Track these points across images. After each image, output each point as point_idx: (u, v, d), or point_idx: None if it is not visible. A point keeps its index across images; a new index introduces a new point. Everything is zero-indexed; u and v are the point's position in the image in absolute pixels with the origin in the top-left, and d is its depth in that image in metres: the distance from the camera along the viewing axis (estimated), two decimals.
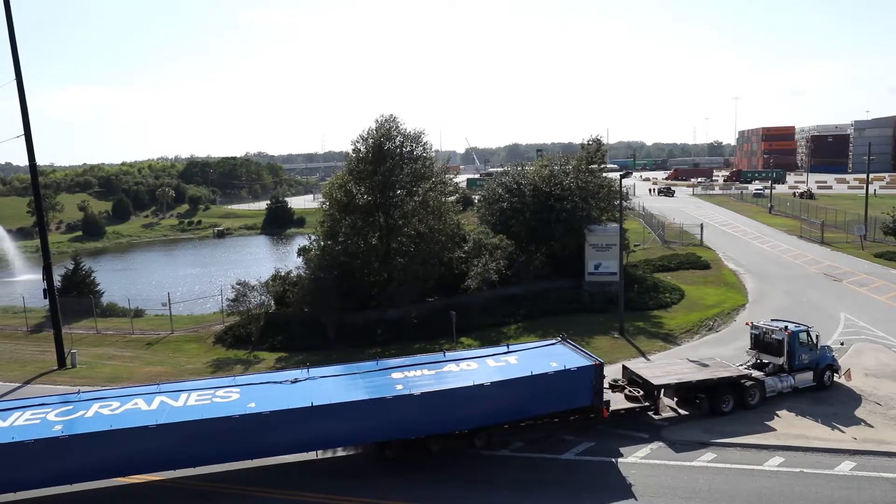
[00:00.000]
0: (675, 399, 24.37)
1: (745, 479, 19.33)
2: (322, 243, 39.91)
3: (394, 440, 20.91)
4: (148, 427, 18.21)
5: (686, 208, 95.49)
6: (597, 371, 21.67)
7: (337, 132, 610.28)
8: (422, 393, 20.16)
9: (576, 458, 21.28)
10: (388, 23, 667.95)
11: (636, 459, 20.92)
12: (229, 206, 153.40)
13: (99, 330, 42.65)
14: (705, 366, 25.38)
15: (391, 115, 40.02)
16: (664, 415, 23.89)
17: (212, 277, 71.67)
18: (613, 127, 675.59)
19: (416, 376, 21.71)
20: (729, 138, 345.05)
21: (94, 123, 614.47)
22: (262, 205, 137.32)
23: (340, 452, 22.19)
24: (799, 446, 21.18)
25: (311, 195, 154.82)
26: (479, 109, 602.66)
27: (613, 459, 20.98)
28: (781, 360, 25.27)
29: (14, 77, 33.21)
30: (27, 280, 64.89)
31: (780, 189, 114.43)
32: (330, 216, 39.98)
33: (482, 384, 20.61)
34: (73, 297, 45.55)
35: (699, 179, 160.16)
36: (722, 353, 29.11)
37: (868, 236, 60.59)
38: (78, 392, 21.34)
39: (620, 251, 38.36)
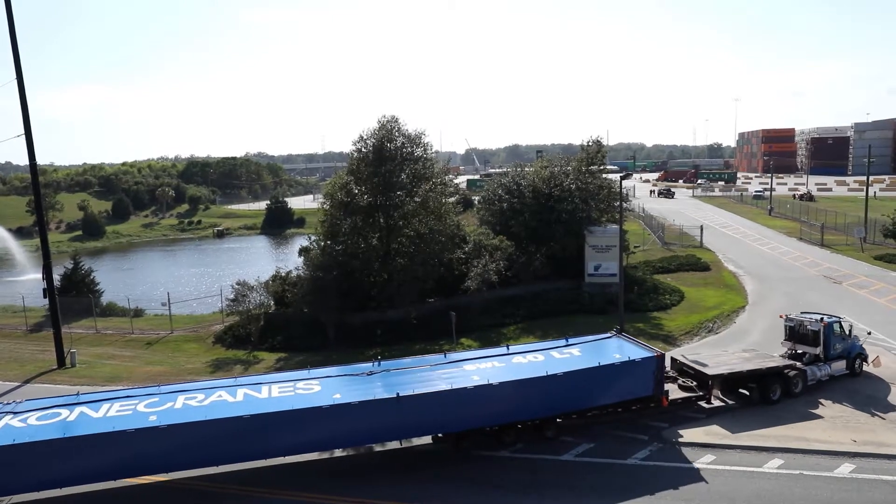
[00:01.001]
0: (720, 389, 25.16)
1: (744, 481, 19.33)
2: (322, 243, 39.91)
3: (472, 430, 21.50)
4: (243, 417, 18.70)
5: (686, 210, 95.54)
6: (659, 362, 22.57)
7: (337, 132, 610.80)
8: (500, 383, 20.87)
9: (575, 459, 21.28)
10: (389, 23, 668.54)
11: (636, 461, 20.92)
12: (229, 206, 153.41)
13: (98, 329, 42.65)
14: (749, 356, 26.31)
15: (392, 115, 40.11)
16: (714, 404, 24.62)
17: (211, 277, 71.68)
18: (613, 128, 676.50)
19: (487, 368, 22.50)
20: (729, 140, 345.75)
21: (95, 123, 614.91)
22: (262, 205, 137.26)
23: (338, 453, 22.20)
24: (798, 448, 21.18)
25: (311, 195, 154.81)
26: (479, 110, 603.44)
27: (613, 461, 20.97)
28: (818, 350, 26.27)
29: (14, 76, 33.24)
30: (27, 279, 64.88)
31: (780, 191, 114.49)
32: (331, 216, 39.99)
33: (555, 374, 21.49)
34: (72, 297, 45.57)
35: (680, 180, 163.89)
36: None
37: (868, 239, 60.61)
38: (158, 385, 21.86)
39: (620, 252, 38.30)
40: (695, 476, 19.76)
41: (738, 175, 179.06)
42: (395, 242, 39.17)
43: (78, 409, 19.50)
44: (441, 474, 20.58)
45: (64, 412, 19.32)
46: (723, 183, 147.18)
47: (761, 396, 24.56)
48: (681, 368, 25.53)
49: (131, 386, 26.23)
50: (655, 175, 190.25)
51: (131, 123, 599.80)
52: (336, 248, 39.16)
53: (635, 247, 58.91)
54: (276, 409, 19.28)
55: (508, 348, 24.91)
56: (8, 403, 20.38)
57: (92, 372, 33.75)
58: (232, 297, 38.47)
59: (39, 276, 36.61)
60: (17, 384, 32.14)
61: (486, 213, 47.99)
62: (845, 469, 19.90)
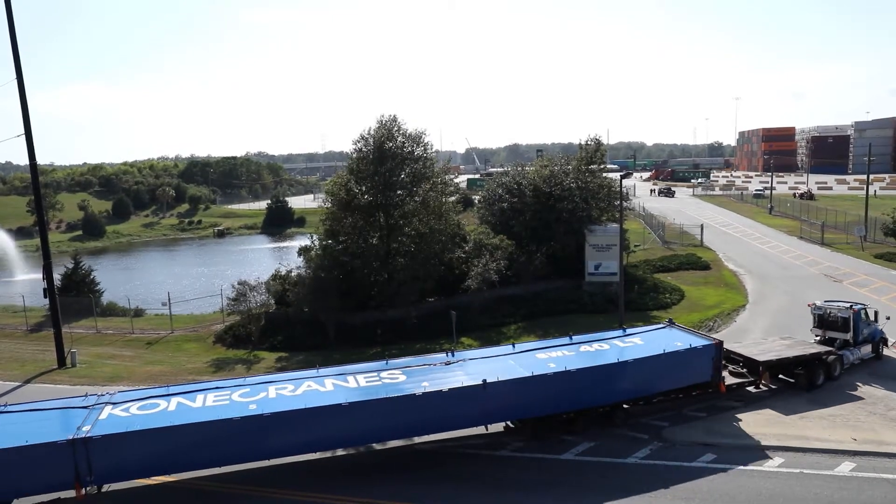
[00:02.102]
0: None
1: (744, 480, 19.31)
2: (323, 243, 39.91)
3: (549, 416, 22.15)
4: (342, 405, 19.18)
5: (686, 209, 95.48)
6: (717, 349, 23.68)
7: (337, 132, 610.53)
8: (577, 369, 21.71)
9: (575, 458, 21.28)
10: (389, 23, 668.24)
11: (636, 460, 20.91)
12: (229, 206, 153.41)
13: (99, 329, 42.67)
14: (790, 343, 27.47)
15: (393, 115, 40.12)
16: (762, 389, 25.83)
17: (212, 277, 71.67)
18: (614, 127, 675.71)
19: (559, 356, 23.20)
20: (729, 139, 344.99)
21: (95, 123, 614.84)
22: (263, 204, 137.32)
23: (340, 452, 22.20)
24: (799, 447, 21.17)
25: (312, 195, 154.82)
26: (479, 109, 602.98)
27: (613, 460, 20.96)
28: (847, 336, 27.63)
29: (15, 76, 33.23)
30: (27, 279, 64.89)
31: (780, 190, 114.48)
32: (331, 215, 39.99)
33: (626, 361, 22.42)
34: (72, 297, 45.58)
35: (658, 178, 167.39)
36: None
37: (868, 237, 60.56)
38: (245, 377, 22.15)
39: (620, 251, 38.31)
40: (695, 475, 19.73)
41: (714, 172, 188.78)
42: (396, 242, 39.17)
43: (174, 400, 20.02)
44: (441, 474, 20.59)
45: (162, 402, 19.85)
46: (695, 181, 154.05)
47: (808, 381, 25.70)
48: (728, 356, 26.12)
49: (154, 385, 26.17)
50: (646, 174, 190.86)
51: (132, 123, 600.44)
52: (337, 247, 39.16)
53: (635, 246, 58.90)
54: (372, 398, 19.87)
55: (572, 338, 25.66)
56: (102, 395, 20.81)
57: (92, 372, 33.77)
58: (232, 296, 38.49)
59: (35, 275, 36.65)
60: (17, 384, 32.15)
61: (487, 213, 47.98)
62: (846, 468, 19.88)
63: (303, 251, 41.50)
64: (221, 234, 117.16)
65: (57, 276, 41.49)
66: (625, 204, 43.64)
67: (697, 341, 24.11)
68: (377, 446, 22.52)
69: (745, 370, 25.71)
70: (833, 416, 23.25)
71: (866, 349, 28.26)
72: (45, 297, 35.89)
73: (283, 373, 22.93)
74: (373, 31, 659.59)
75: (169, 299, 43.27)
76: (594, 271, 42.26)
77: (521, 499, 18.87)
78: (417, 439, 22.52)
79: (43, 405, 20.33)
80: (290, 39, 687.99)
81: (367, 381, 21.19)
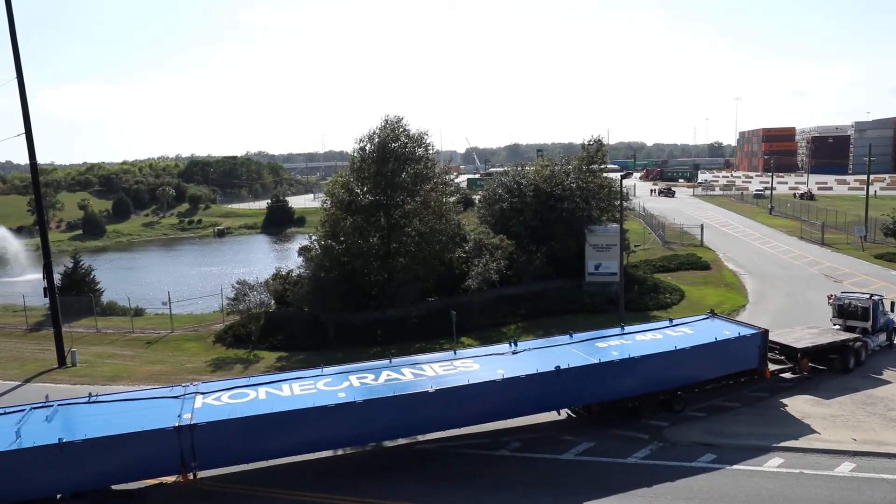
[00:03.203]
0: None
1: (744, 480, 19.31)
2: (323, 243, 39.90)
3: (615, 401, 23.06)
4: (429, 392, 19.99)
5: (686, 209, 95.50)
6: (764, 337, 24.97)
7: (337, 132, 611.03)
8: (640, 356, 22.77)
9: (575, 458, 21.28)
10: (389, 23, 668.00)
11: (636, 460, 20.91)
12: (229, 206, 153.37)
13: (99, 329, 42.68)
14: (818, 332, 28.89)
15: (397, 116, 40.02)
16: (798, 375, 27.04)
17: (212, 277, 71.70)
18: (614, 127, 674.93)
19: (619, 345, 24.24)
20: (729, 139, 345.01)
21: (95, 122, 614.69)
22: (263, 204, 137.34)
23: (339, 452, 22.20)
24: (798, 447, 21.18)
25: (312, 195, 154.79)
26: (479, 109, 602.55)
27: (613, 460, 20.97)
28: (867, 324, 29.38)
29: (15, 75, 33.22)
30: (28, 279, 64.89)
31: (780, 190, 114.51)
32: (332, 215, 39.97)
33: (684, 349, 23.46)
34: (73, 296, 45.56)
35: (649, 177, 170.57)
36: None
37: (868, 237, 60.58)
38: (321, 368, 22.69)
39: (621, 251, 38.33)
40: (695, 475, 19.74)
41: (703, 172, 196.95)
42: (396, 242, 39.16)
43: (261, 390, 20.55)
44: (441, 474, 20.58)
45: (250, 392, 20.38)
46: (683, 180, 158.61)
47: (843, 365, 27.51)
48: None
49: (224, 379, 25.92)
50: (638, 174, 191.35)
51: (132, 122, 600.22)
52: (337, 247, 39.15)
53: (636, 246, 58.91)
54: (455, 385, 20.55)
55: (623, 328, 26.63)
56: (188, 385, 21.23)
57: (92, 371, 33.77)
58: (232, 296, 38.48)
59: (36, 275, 36.65)
60: (17, 383, 32.16)
61: (487, 213, 47.96)
62: (845, 468, 19.88)
63: (303, 251, 41.52)
64: (221, 234, 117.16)
65: (57, 276, 41.48)
66: (625, 204, 43.63)
67: (744, 330, 25.30)
68: (387, 443, 22.52)
69: (782, 357, 26.85)
70: (779, 434, 22.40)
71: (882, 337, 30.13)
72: (45, 296, 35.89)
73: (354, 364, 23.61)
74: (373, 31, 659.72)
75: (169, 299, 43.29)
76: (594, 271, 42.25)
77: (520, 499, 18.87)
78: (421, 437, 22.52)
79: (132, 395, 20.98)
80: (290, 39, 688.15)
81: (443, 370, 21.96)
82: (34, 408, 19.49)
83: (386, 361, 23.24)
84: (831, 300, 31.26)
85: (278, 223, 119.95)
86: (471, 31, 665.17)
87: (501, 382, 20.79)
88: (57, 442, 16.99)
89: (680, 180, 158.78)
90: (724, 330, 25.49)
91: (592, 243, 42.26)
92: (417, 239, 39.10)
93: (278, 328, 37.79)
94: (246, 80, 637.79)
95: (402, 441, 22.39)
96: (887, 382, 26.48)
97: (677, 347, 23.55)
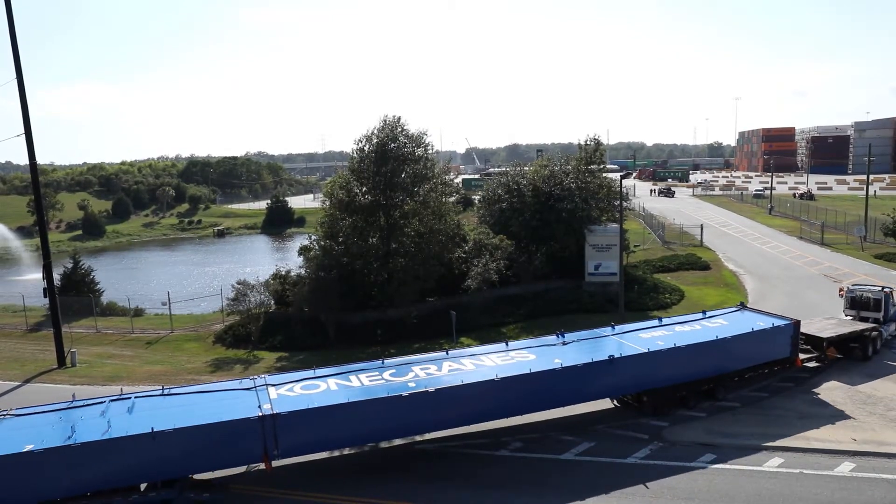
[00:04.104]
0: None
1: (744, 480, 19.31)
2: (322, 243, 39.90)
3: (662, 389, 23.85)
4: (493, 380, 20.72)
5: (686, 209, 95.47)
6: (796, 327, 26.21)
7: (337, 132, 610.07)
8: (686, 345, 23.72)
9: (575, 458, 21.27)
10: (389, 23, 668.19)
11: (636, 460, 20.91)
12: (229, 206, 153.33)
13: (99, 329, 42.66)
14: (836, 322, 30.14)
15: (396, 116, 40.07)
16: (822, 363, 28.27)
17: (212, 277, 71.69)
18: (614, 127, 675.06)
19: (662, 335, 25.17)
20: (729, 139, 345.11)
21: (95, 122, 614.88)
22: (263, 204, 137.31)
23: (336, 453, 22.19)
24: (798, 447, 21.18)
25: (312, 195, 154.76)
26: (479, 109, 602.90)
27: (613, 460, 20.97)
28: (879, 315, 30.59)
29: (15, 75, 33.20)
30: (28, 279, 64.90)
31: (780, 190, 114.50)
32: (331, 216, 39.96)
33: (725, 338, 24.41)
34: (72, 296, 45.57)
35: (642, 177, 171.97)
36: None
37: (868, 237, 60.55)
38: (382, 361, 23.23)
39: (620, 251, 38.29)
40: (695, 475, 19.74)
41: (694, 172, 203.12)
42: (396, 242, 39.15)
43: (330, 381, 21.11)
44: (441, 474, 20.58)
45: (321, 383, 20.93)
46: (675, 180, 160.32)
47: (863, 353, 28.90)
48: None
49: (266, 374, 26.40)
50: (632, 174, 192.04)
51: (132, 122, 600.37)
52: (336, 247, 39.15)
53: (635, 246, 58.89)
54: (518, 374, 21.24)
55: (661, 320, 27.62)
56: (255, 378, 21.80)
57: (92, 371, 33.75)
58: (232, 296, 38.48)
59: (36, 275, 36.63)
60: (17, 384, 32.14)
61: (486, 213, 47.94)
62: (845, 468, 19.89)
63: (302, 251, 41.51)
64: (221, 234, 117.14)
65: (57, 276, 41.47)
66: (625, 204, 43.62)
67: (778, 321, 26.35)
68: (375, 446, 22.53)
69: (808, 347, 27.95)
70: (779, 434, 22.42)
71: (892, 327, 31.21)
72: (45, 296, 35.86)
73: (413, 356, 24.32)
74: (373, 31, 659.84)
75: (169, 299, 43.29)
76: (594, 271, 42.24)
77: (520, 498, 18.87)
78: (419, 438, 22.53)
79: (204, 388, 21.38)
80: (290, 39, 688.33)
81: (501, 361, 22.59)
82: (112, 400, 20.01)
83: (443, 353, 23.89)
84: (843, 292, 32.39)
85: (278, 223, 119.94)
86: (471, 31, 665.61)
87: (561, 371, 21.62)
88: (150, 431, 17.31)
89: (669, 180, 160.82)
90: (757, 321, 26.49)
91: (592, 243, 42.25)
92: (417, 239, 39.10)
93: (278, 328, 37.78)
94: (246, 80, 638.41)
95: (455, 430, 22.55)
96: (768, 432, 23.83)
97: (719, 337, 24.47)
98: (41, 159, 64.23)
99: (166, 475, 18.05)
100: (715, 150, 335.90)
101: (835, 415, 23.58)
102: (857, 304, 31.40)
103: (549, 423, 23.68)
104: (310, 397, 19.72)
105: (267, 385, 20.79)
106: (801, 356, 27.14)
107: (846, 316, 31.60)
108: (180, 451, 17.72)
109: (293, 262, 43.09)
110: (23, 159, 65.35)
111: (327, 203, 41.02)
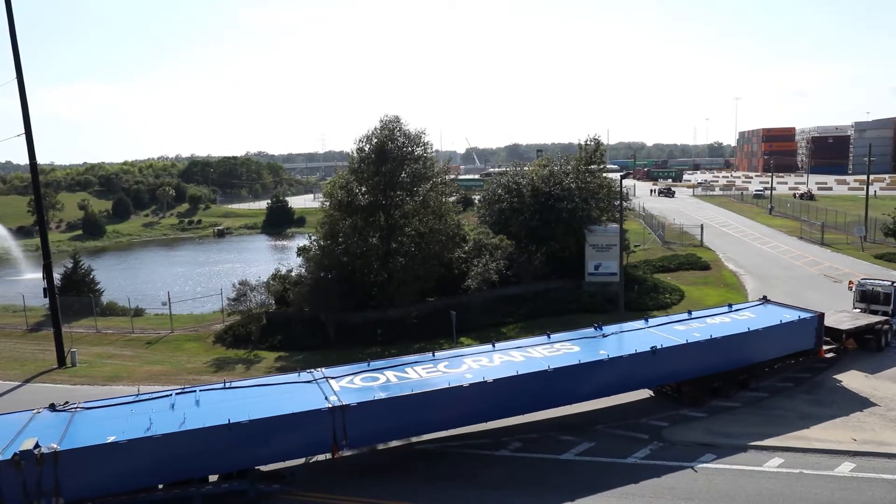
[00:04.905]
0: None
1: (744, 480, 19.31)
2: (322, 243, 39.91)
3: (699, 379, 24.68)
4: (547, 371, 21.47)
5: (686, 209, 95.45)
6: (820, 320, 27.16)
7: (337, 132, 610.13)
8: (722, 336, 24.58)
9: (575, 458, 21.26)
10: (388, 23, 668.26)
11: (636, 460, 20.90)
12: (229, 206, 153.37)
13: (99, 329, 42.66)
14: (850, 315, 31.13)
15: (394, 116, 40.06)
16: (840, 354, 29.12)
17: (212, 277, 71.71)
18: (614, 127, 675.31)
19: (697, 327, 26.00)
20: (729, 139, 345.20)
21: (95, 122, 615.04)
22: (263, 204, 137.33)
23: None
24: (799, 447, 21.18)
25: (312, 195, 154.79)
26: (479, 109, 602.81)
27: (613, 460, 20.96)
28: (889, 308, 31.29)
29: (15, 75, 33.19)
30: (28, 279, 64.91)
31: (780, 190, 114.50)
32: (330, 216, 39.96)
33: (757, 330, 25.36)
34: (72, 296, 45.57)
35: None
36: None
37: (868, 238, 60.52)
38: (433, 354, 23.78)
39: (620, 251, 38.34)
40: (695, 475, 19.74)
41: (694, 172, 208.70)
42: (396, 242, 39.15)
43: (386, 373, 21.60)
44: (441, 474, 20.56)
45: (379, 376, 21.41)
46: (670, 180, 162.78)
47: (877, 345, 30.13)
48: None
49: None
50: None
51: (132, 122, 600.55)
52: (336, 247, 39.16)
53: (635, 246, 58.89)
54: (569, 364, 21.92)
55: (690, 313, 28.56)
56: (312, 371, 22.17)
57: (92, 371, 33.75)
58: (233, 296, 38.49)
59: (36, 275, 36.62)
60: (17, 383, 32.14)
61: (486, 213, 47.94)
62: (846, 468, 19.88)
63: (302, 251, 41.51)
64: (221, 234, 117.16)
65: (57, 276, 41.47)
66: (625, 204, 43.62)
67: (803, 314, 27.23)
68: (378, 446, 22.51)
69: (827, 338, 28.47)
70: (779, 434, 22.52)
71: None
72: (45, 296, 35.86)
73: (464, 349, 25.20)
74: (373, 31, 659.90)
75: (169, 299, 43.30)
76: (594, 271, 42.23)
77: (520, 499, 18.86)
78: (415, 439, 22.53)
79: (265, 381, 21.75)
80: (290, 39, 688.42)
81: (548, 353, 23.33)
82: (178, 393, 20.27)
83: (489, 346, 24.41)
84: (852, 286, 33.42)
85: (278, 223, 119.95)
86: (471, 30, 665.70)
87: (608, 362, 22.40)
88: (227, 423, 17.54)
89: (659, 180, 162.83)
90: (784, 314, 27.32)
91: (592, 243, 42.24)
92: (417, 239, 39.09)
93: (278, 328, 37.78)
94: (246, 80, 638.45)
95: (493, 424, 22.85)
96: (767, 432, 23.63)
97: (751, 329, 25.30)
98: (41, 159, 64.30)
99: (239, 465, 18.34)
100: (715, 150, 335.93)
101: (834, 415, 23.53)
102: (867, 297, 32.27)
103: (548, 423, 23.67)
104: (372, 389, 20.08)
105: (326, 378, 21.24)
106: (824, 347, 28.04)
107: (855, 309, 32.42)
108: (254, 442, 18.01)
109: (293, 262, 43.07)
110: (23, 159, 65.36)
111: (327, 203, 41.01)
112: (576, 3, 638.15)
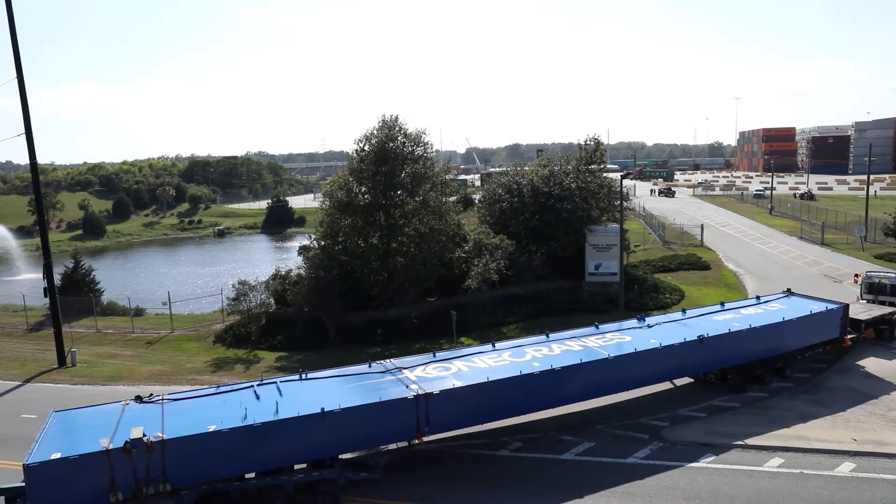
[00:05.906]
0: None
1: (744, 480, 19.31)
2: (322, 243, 39.90)
3: (741, 366, 25.73)
4: (608, 359, 22.44)
5: (686, 209, 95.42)
6: (845, 310, 28.38)
7: (337, 132, 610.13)
8: (760, 326, 25.71)
9: (575, 458, 21.26)
10: (388, 22, 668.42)
11: (636, 460, 20.90)
12: (230, 206, 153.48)
13: (99, 329, 42.67)
14: (864, 307, 32.14)
15: (394, 115, 40.11)
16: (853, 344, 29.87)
17: (212, 276, 71.72)
18: (614, 127, 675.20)
19: (734, 317, 27.04)
20: (730, 139, 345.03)
21: (95, 122, 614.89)
22: (263, 204, 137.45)
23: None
24: (799, 447, 21.18)
25: (312, 194, 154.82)
26: (479, 109, 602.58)
27: (613, 460, 20.96)
28: (895, 299, 32.55)
29: (15, 75, 33.19)
30: (28, 279, 64.91)
31: (780, 190, 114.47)
32: (330, 216, 39.96)
33: (791, 320, 26.45)
34: (73, 296, 45.56)
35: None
36: None
37: (868, 238, 60.54)
38: (493, 345, 24.35)
39: (621, 251, 38.35)
40: (695, 475, 19.74)
41: (694, 172, 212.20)
42: (396, 241, 39.15)
43: (454, 364, 22.20)
44: (441, 474, 20.56)
45: (450, 366, 22.09)
46: (661, 180, 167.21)
47: (891, 334, 31.25)
48: None
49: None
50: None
51: (132, 122, 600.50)
52: (336, 247, 39.14)
53: (636, 246, 58.90)
54: (626, 353, 22.93)
55: (723, 305, 29.50)
56: (385, 362, 22.78)
57: (93, 371, 33.75)
58: (233, 296, 38.47)
59: (36, 275, 36.62)
60: (17, 383, 32.14)
61: (486, 213, 47.94)
62: (846, 468, 19.89)
63: (303, 250, 41.51)
64: (221, 234, 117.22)
65: (57, 276, 41.46)
66: (625, 204, 43.61)
67: (829, 305, 28.35)
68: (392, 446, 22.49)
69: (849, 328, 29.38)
70: (779, 435, 22.63)
71: None
72: (46, 296, 35.86)
73: (524, 338, 25.90)
74: (372, 31, 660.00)
75: (169, 299, 43.28)
76: (594, 271, 42.22)
77: (520, 499, 18.85)
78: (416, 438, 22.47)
79: (338, 372, 22.16)
80: (290, 39, 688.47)
81: (603, 342, 24.25)
82: (258, 384, 20.62)
83: (543, 337, 25.15)
84: (857, 278, 34.64)
85: (278, 223, 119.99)
86: (471, 30, 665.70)
87: (662, 350, 23.35)
88: (320, 411, 17.89)
89: (652, 180, 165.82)
90: (811, 305, 28.51)
91: (592, 243, 42.23)
92: (417, 239, 39.08)
93: (278, 328, 37.77)
94: (246, 80, 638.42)
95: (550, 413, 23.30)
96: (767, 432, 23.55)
97: (786, 318, 26.38)
98: (41, 159, 64.37)
99: (328, 453, 18.73)
100: (715, 150, 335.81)
101: (835, 415, 23.51)
102: (874, 289, 33.33)
103: (548, 423, 23.66)
104: (447, 378, 20.71)
105: (399, 368, 21.83)
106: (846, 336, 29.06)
107: (863, 301, 33.48)
108: (344, 430, 18.37)
109: (293, 262, 43.06)
110: (23, 159, 65.42)
111: (327, 203, 41.01)
112: (576, 3, 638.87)
